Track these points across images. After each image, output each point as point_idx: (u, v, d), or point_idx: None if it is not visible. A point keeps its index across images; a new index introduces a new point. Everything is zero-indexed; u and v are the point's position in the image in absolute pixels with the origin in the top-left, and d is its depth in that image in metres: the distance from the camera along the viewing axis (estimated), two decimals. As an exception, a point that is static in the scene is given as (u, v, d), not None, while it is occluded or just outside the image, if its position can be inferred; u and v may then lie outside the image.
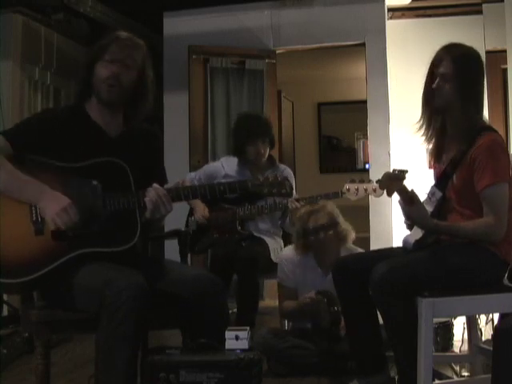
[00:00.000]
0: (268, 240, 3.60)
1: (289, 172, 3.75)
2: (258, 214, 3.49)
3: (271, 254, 3.54)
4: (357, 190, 3.10)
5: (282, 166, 3.84)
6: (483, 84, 2.39)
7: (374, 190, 3.07)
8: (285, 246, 3.69)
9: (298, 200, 3.35)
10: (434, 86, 2.36)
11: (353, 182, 3.11)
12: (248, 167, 3.68)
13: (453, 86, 2.33)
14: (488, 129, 2.39)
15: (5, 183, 2.07)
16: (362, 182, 3.11)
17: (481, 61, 2.41)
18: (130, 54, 2.19)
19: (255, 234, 3.62)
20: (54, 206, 2.02)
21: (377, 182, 3.01)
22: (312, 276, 3.15)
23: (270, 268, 3.45)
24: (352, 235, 3.19)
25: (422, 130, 2.48)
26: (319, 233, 3.07)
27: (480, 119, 2.39)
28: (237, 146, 3.72)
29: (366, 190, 3.10)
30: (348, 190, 3.11)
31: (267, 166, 3.72)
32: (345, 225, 3.18)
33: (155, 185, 2.14)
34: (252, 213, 3.47)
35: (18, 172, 2.08)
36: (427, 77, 2.42)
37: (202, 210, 3.54)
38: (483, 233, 2.28)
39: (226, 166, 3.72)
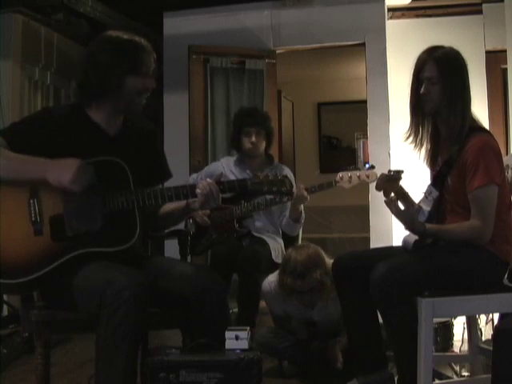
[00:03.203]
0: (268, 240, 3.60)
1: (288, 171, 3.75)
2: (254, 210, 3.48)
3: (272, 254, 3.54)
4: (350, 177, 3.11)
5: (282, 166, 3.82)
6: (468, 82, 2.38)
7: (368, 177, 3.09)
8: (285, 246, 3.67)
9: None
10: (421, 91, 2.36)
11: (345, 170, 3.11)
12: (246, 165, 3.69)
13: (440, 87, 2.33)
14: (479, 129, 2.39)
15: (7, 168, 2.03)
16: (354, 169, 3.12)
17: (463, 58, 2.39)
18: (156, 66, 2.21)
19: (255, 234, 3.61)
20: (66, 172, 1.99)
21: (368, 168, 3.04)
22: (299, 312, 3.05)
23: (272, 268, 3.45)
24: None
25: (411, 138, 2.47)
26: (304, 294, 2.92)
27: (470, 118, 2.37)
28: (233, 138, 3.74)
29: (359, 177, 3.11)
30: (341, 178, 3.11)
31: (266, 163, 3.72)
32: (327, 277, 2.93)
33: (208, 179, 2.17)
34: (248, 210, 3.46)
35: (16, 154, 2.05)
36: (412, 83, 2.42)
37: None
38: (470, 236, 2.28)
39: (225, 166, 3.73)
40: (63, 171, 1.99)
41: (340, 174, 3.12)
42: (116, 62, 2.12)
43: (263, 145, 3.68)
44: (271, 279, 3.13)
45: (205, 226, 3.51)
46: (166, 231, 2.58)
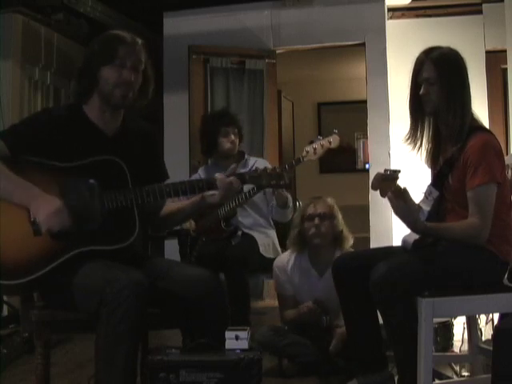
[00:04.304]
0: (257, 235, 3.59)
1: (264, 162, 3.78)
2: (237, 206, 3.48)
3: (261, 249, 3.53)
4: (315, 149, 3.14)
5: (253, 158, 3.84)
6: (468, 81, 2.37)
7: (330, 143, 3.13)
8: (279, 240, 3.67)
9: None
10: (421, 92, 2.36)
11: (310, 143, 3.15)
12: (221, 167, 3.60)
13: (438, 87, 2.33)
14: (480, 128, 2.38)
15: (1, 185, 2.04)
16: (317, 140, 3.16)
17: (461, 58, 2.38)
18: (139, 58, 2.20)
19: (245, 230, 3.61)
20: (45, 208, 2.01)
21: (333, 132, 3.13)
22: (307, 280, 3.15)
23: (261, 264, 3.45)
24: (350, 241, 3.19)
25: (411, 139, 2.47)
26: (314, 219, 3.11)
27: (470, 118, 2.37)
28: (210, 142, 3.76)
29: (322, 146, 3.14)
30: (307, 152, 3.15)
31: (238, 159, 3.74)
32: (344, 227, 3.19)
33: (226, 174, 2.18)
34: (232, 207, 3.47)
35: (10, 174, 2.05)
36: (411, 85, 2.42)
37: (187, 224, 3.53)
38: (469, 234, 2.27)
39: (202, 175, 3.75)
40: (41, 207, 2.01)
41: (306, 149, 3.16)
42: (94, 54, 2.18)
43: (237, 144, 3.75)
44: (283, 256, 3.28)
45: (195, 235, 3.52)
46: (166, 231, 2.58)
